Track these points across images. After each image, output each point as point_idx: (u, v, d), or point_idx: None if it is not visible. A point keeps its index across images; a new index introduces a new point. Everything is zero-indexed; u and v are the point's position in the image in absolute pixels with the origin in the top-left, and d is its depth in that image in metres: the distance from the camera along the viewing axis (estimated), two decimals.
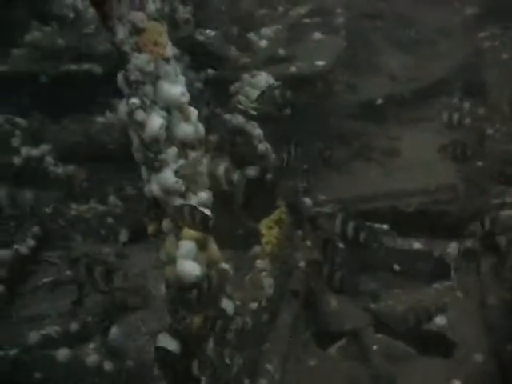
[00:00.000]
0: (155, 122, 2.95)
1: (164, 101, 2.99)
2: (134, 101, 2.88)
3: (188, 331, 3.39)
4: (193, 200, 3.28)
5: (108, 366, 4.15)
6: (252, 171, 5.29)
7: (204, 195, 3.36)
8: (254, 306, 4.20)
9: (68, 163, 6.16)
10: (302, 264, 5.08)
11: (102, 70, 6.33)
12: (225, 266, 3.61)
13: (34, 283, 5.27)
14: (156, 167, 3.07)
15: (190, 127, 3.17)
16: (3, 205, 5.79)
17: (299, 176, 6.17)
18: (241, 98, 5.31)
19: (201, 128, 3.33)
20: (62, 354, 4.15)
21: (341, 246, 5.05)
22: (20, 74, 6.54)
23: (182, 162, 3.17)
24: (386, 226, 5.93)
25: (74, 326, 4.57)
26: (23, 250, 5.51)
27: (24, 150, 6.05)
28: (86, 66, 6.48)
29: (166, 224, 3.32)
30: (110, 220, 5.92)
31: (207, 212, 3.38)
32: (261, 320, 4.26)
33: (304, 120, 5.63)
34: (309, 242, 5.49)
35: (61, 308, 4.95)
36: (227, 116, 5.08)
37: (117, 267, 5.27)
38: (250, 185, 5.37)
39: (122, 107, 2.96)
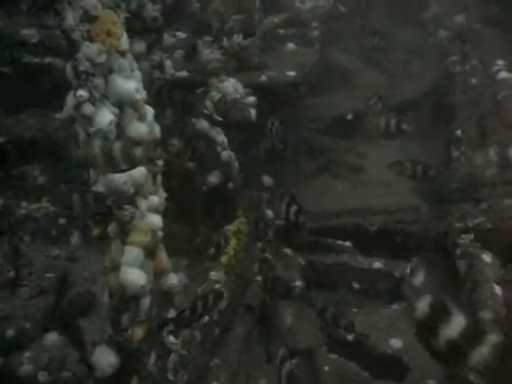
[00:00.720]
0: (104, 117, 2.75)
1: (116, 96, 2.80)
2: (82, 93, 2.68)
3: (129, 344, 3.17)
4: (143, 204, 3.08)
5: (42, 376, 3.88)
6: (214, 178, 5.11)
7: (155, 199, 3.16)
8: (205, 319, 3.99)
9: (22, 159, 5.86)
10: (258, 278, 4.89)
11: (65, 65, 6.07)
12: (173, 277, 3.40)
13: None
14: (104, 171, 2.86)
15: (143, 126, 2.97)
16: None
17: (263, 187, 6.03)
18: (207, 102, 5.13)
19: (156, 129, 3.14)
20: None
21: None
22: None
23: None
24: (348, 244, 5.82)
25: (10, 332, 4.28)
26: None
27: None
28: (48, 60, 6.21)
29: (112, 228, 3.11)
30: (61, 221, 5.65)
31: (158, 218, 3.20)
32: (211, 334, 4.06)
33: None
34: (268, 255, 5.31)
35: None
36: (192, 120, 4.89)
37: (67, 271, 5.02)
38: (211, 192, 5.20)
39: (70, 99, 2.75)
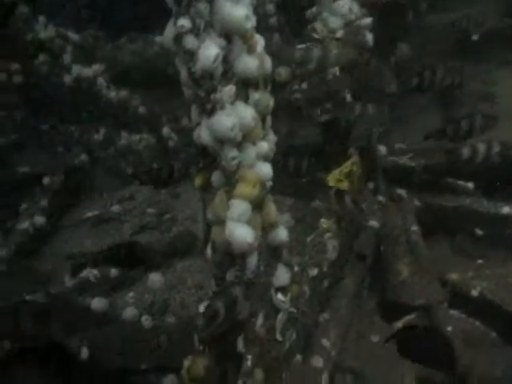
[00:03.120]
0: (209, 51, 2.30)
1: (222, 25, 2.33)
2: (184, 22, 2.24)
3: (235, 303, 2.89)
4: (251, 151, 2.67)
5: (146, 321, 3.76)
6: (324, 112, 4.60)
7: (265, 146, 2.74)
8: (315, 272, 3.64)
9: (121, 87, 5.64)
10: (371, 223, 4.43)
11: None
12: (283, 231, 3.03)
13: (77, 217, 4.92)
14: (207, 109, 2.45)
15: (253, 60, 2.51)
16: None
17: (375, 119, 5.43)
18: (318, 25, 4.53)
19: (268, 62, 2.66)
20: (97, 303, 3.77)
21: None
22: None
23: (241, 104, 2.54)
24: (471, 185, 5.16)
25: (114, 272, 4.19)
26: (68, 178, 5.14)
27: (75, 69, 5.55)
28: None
29: (217, 177, 2.74)
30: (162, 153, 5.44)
31: (267, 166, 2.79)
32: (320, 288, 3.71)
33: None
34: (381, 197, 4.82)
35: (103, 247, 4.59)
36: (301, 46, 4.34)
37: (167, 208, 4.84)
38: (321, 127, 4.73)
39: (169, 30, 2.33)
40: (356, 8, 4.64)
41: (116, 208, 4.99)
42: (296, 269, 3.46)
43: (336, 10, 4.51)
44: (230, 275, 2.90)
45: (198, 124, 2.65)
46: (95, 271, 4.05)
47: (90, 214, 4.94)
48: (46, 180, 5.02)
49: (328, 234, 3.86)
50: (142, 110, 5.56)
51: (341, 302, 3.89)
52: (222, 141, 2.52)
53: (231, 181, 2.68)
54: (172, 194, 5.11)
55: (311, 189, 4.80)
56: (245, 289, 2.89)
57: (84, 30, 5.93)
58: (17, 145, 5.72)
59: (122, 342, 3.57)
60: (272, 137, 2.87)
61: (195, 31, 2.28)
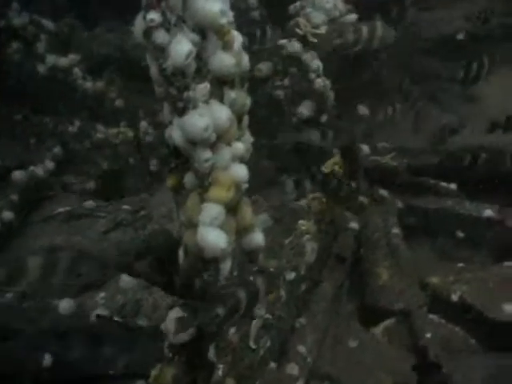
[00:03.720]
0: (181, 47, 2.16)
1: (196, 19, 2.19)
2: (154, 16, 2.09)
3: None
4: (225, 153, 2.53)
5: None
6: (305, 109, 4.48)
7: (240, 147, 2.60)
8: (292, 275, 3.54)
9: (98, 78, 5.46)
10: (352, 225, 4.33)
11: None
12: (258, 235, 2.90)
13: (47, 212, 4.74)
14: (179, 108, 2.30)
15: (230, 58, 2.36)
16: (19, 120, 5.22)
17: (358, 118, 5.34)
18: (301, 20, 4.39)
19: (245, 60, 2.52)
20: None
21: None
22: None
23: (215, 103, 2.40)
24: (453, 186, 5.08)
25: (84, 269, 4.04)
26: (40, 172, 4.96)
27: (50, 58, 5.36)
28: None
29: (189, 179, 2.60)
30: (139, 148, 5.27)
31: (243, 168, 2.66)
32: (298, 292, 3.61)
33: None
34: (363, 198, 4.72)
35: (74, 244, 4.43)
36: (282, 42, 4.21)
37: (142, 205, 4.69)
38: (301, 125, 4.61)
39: (139, 23, 2.18)
40: (341, 4, 4.52)
41: (89, 204, 4.83)
42: (272, 272, 3.34)
43: (320, 6, 4.39)
44: (199, 281, 2.78)
45: (170, 123, 2.51)
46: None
47: (61, 210, 4.77)
48: (16, 174, 4.83)
49: (307, 236, 3.76)
50: (119, 102, 5.40)
51: (319, 307, 3.79)
52: (194, 142, 2.38)
53: (204, 183, 2.54)
54: (147, 190, 4.97)
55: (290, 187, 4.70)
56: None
57: (60, 18, 5.73)
58: None
59: (89, 346, 3.42)
60: (248, 137, 2.74)
61: (166, 25, 2.13)
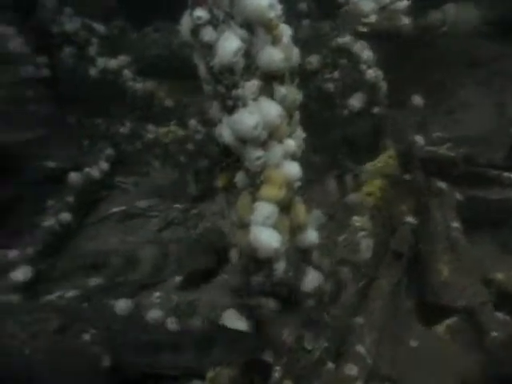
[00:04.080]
0: (230, 43, 2.11)
1: (244, 15, 2.13)
2: (201, 13, 2.05)
3: (262, 311, 2.72)
4: (277, 150, 2.47)
5: (171, 324, 3.61)
6: (356, 102, 4.36)
7: (292, 144, 2.54)
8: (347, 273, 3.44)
9: (147, 78, 5.50)
10: (409, 219, 4.17)
11: None
12: (312, 233, 2.83)
13: (103, 213, 4.81)
14: (228, 106, 2.26)
15: (279, 52, 2.30)
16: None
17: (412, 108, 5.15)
18: (349, 10, 4.28)
19: (295, 53, 2.45)
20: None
21: None
22: None
23: (265, 100, 2.35)
24: None
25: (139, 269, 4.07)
26: (95, 173, 5.03)
27: (100, 61, 5.43)
28: None
29: (240, 178, 2.56)
30: (190, 146, 5.27)
31: (295, 166, 2.59)
32: (354, 288, 3.50)
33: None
34: (420, 191, 4.55)
35: (129, 244, 4.48)
36: (332, 33, 4.10)
37: (193, 203, 4.69)
38: (352, 118, 4.49)
39: (185, 21, 2.14)
40: None
41: (142, 203, 4.87)
42: (327, 271, 3.26)
43: None
44: (255, 280, 2.73)
45: (220, 121, 2.47)
46: None
47: (115, 210, 4.83)
48: (72, 175, 4.92)
49: (362, 233, 3.64)
50: (168, 101, 5.42)
51: (376, 305, 3.67)
52: (244, 140, 2.33)
53: (256, 182, 2.49)
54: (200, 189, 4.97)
55: (344, 183, 4.59)
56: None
57: (110, 21, 5.80)
58: (44, 139, 5.66)
59: (145, 345, 3.43)
60: (300, 133, 2.67)
61: (213, 22, 2.08)
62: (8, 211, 4.66)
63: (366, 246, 3.61)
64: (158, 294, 3.93)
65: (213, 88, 2.27)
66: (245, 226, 2.56)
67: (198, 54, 2.19)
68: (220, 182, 2.66)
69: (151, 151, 5.38)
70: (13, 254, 4.30)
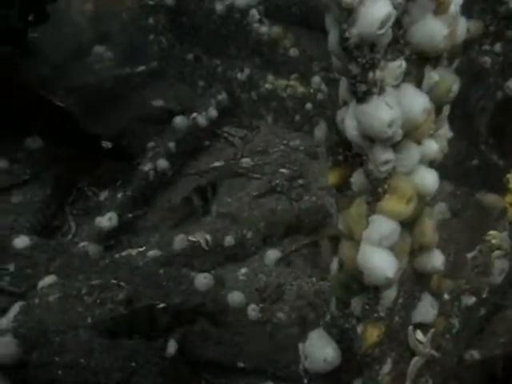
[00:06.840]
0: (378, 9, 1.52)
1: None
2: None
3: (355, 340, 2.22)
4: (413, 154, 1.88)
5: (253, 311, 3.23)
6: None
7: (434, 147, 1.93)
8: (471, 300, 2.83)
9: (275, 23, 4.94)
10: None
11: None
12: (438, 256, 2.24)
13: (202, 165, 4.46)
14: (359, 92, 1.69)
15: (441, 26, 1.67)
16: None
17: None
18: None
19: (462, 27, 1.80)
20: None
21: None
22: None
23: (409, 88, 1.75)
24: None
25: (229, 240, 3.70)
26: (202, 120, 4.66)
27: None
28: None
29: (358, 180, 2.00)
30: (308, 106, 4.71)
31: (432, 174, 1.98)
32: (474, 320, 2.90)
33: None
34: None
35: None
36: None
37: (301, 172, 4.19)
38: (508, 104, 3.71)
39: None
40: None
41: (246, 161, 4.45)
42: (446, 297, 2.67)
43: None
44: (356, 303, 2.22)
45: (345, 103, 1.90)
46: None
47: (216, 164, 4.45)
48: (177, 119, 4.58)
49: (497, 252, 2.97)
50: (293, 51, 4.84)
51: (496, 339, 3.04)
52: (372, 138, 1.76)
53: (378, 189, 1.92)
54: (310, 154, 4.45)
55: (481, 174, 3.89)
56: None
57: None
58: (157, 74, 5.36)
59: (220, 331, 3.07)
60: (446, 132, 2.04)
61: None
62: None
63: (500, 270, 2.94)
64: (244, 270, 3.57)
65: (343, 66, 1.70)
66: (354, 239, 2.03)
67: (332, 16, 1.61)
68: (331, 179, 2.11)
69: (266, 104, 4.89)
70: (104, 195, 4.10)
